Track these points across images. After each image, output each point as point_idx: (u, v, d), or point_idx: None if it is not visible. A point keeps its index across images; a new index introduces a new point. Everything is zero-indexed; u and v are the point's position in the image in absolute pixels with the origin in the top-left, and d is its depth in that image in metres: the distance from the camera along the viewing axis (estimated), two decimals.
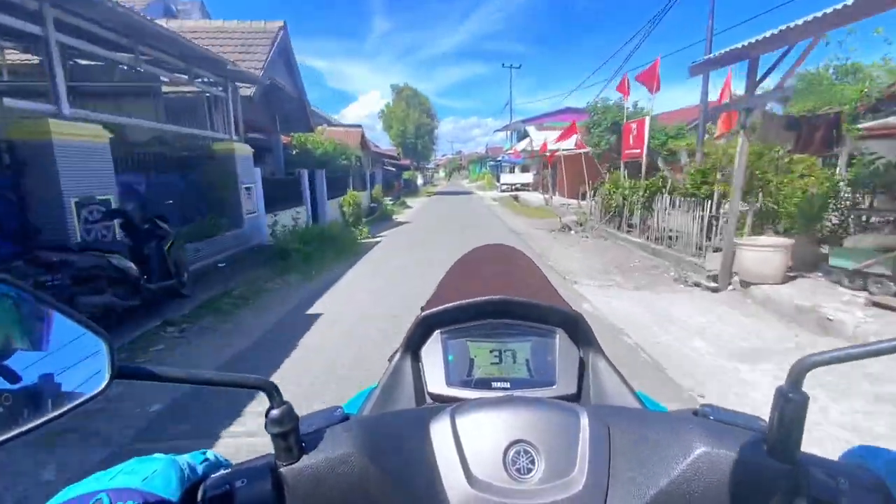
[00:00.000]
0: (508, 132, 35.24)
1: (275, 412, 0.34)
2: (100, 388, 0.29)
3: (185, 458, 0.36)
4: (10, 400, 0.27)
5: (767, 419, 0.33)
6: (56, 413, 0.28)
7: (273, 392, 0.35)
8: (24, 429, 0.27)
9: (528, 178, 25.06)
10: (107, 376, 0.30)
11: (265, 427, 0.34)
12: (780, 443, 0.31)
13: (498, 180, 30.16)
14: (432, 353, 0.58)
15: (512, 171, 28.76)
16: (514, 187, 24.65)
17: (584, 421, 0.37)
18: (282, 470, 0.34)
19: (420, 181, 36.85)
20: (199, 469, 0.36)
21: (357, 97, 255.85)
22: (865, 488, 0.31)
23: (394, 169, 25.72)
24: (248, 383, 0.34)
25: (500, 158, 32.60)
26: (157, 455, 0.35)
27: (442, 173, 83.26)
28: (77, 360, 0.30)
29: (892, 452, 0.35)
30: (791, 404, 0.31)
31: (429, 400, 0.56)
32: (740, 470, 0.32)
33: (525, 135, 27.59)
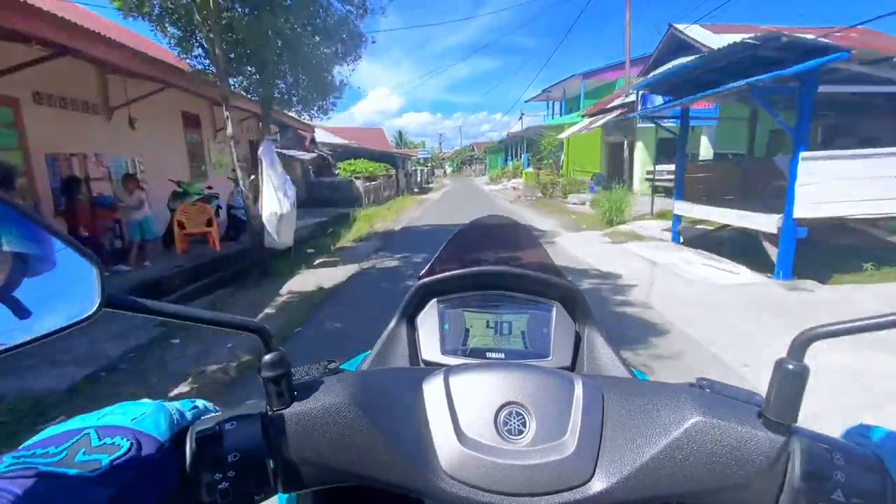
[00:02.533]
0: (549, 99, 31.58)
1: (268, 357, 0.35)
2: (87, 314, 0.30)
3: (175, 405, 0.37)
4: None
5: (765, 394, 0.34)
6: (40, 334, 0.29)
7: (267, 336, 0.36)
8: (4, 347, 0.28)
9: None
10: (96, 302, 0.30)
11: (257, 371, 0.35)
12: (777, 414, 0.33)
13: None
14: (428, 321, 0.60)
15: None
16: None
17: (578, 387, 0.38)
18: (272, 415, 0.35)
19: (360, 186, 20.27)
20: (189, 415, 0.37)
21: (367, 94, 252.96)
22: (862, 465, 0.31)
23: None
24: (241, 325, 0.35)
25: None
26: (145, 400, 0.36)
27: (449, 168, 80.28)
28: (66, 282, 0.30)
29: (891, 431, 0.35)
30: (790, 375, 0.32)
31: (423, 366, 0.58)
32: (734, 439, 0.33)
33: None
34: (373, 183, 16.97)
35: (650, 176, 13.83)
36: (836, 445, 0.33)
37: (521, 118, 36.19)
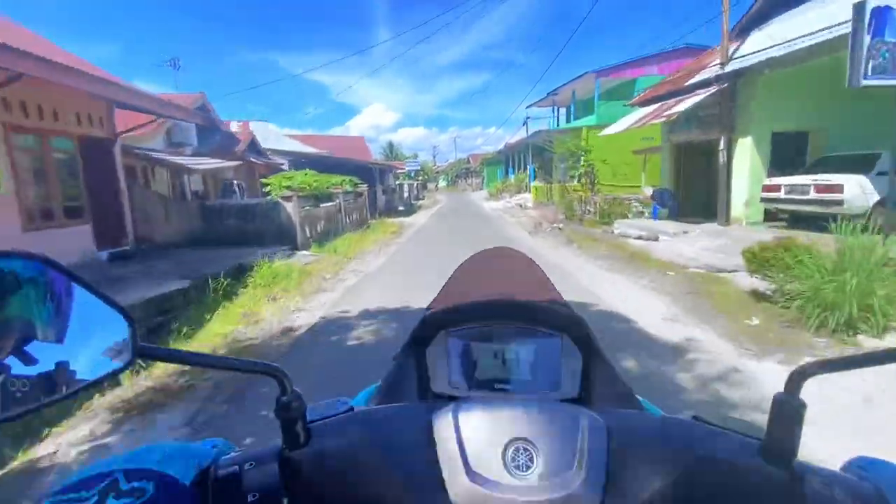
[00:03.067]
0: (555, 104, 27.57)
1: (284, 399, 0.37)
2: (121, 366, 0.32)
3: (196, 445, 0.39)
4: (33, 376, 0.30)
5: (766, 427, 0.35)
6: (78, 387, 0.31)
7: (283, 379, 0.37)
8: (46, 402, 0.30)
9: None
10: (129, 354, 0.32)
11: (274, 413, 0.37)
12: (777, 449, 0.33)
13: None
14: (436, 352, 0.60)
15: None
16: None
17: (584, 422, 0.39)
18: (288, 455, 0.37)
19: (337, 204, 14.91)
20: (210, 455, 0.39)
21: (361, 110, 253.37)
22: (863, 499, 0.32)
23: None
24: (259, 369, 0.37)
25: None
26: (169, 442, 0.39)
27: (443, 182, 75.17)
28: (102, 336, 0.33)
29: (892, 465, 0.35)
30: (788, 411, 0.33)
31: (431, 399, 0.58)
32: (735, 475, 0.34)
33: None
34: (325, 206, 11.43)
35: (771, 194, 8.36)
36: (836, 480, 0.33)
37: (524, 124, 31.16)
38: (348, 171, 16.42)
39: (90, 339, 0.32)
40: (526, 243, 9.90)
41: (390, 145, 62.77)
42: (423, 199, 37.63)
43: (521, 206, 21.38)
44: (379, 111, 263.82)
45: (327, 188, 11.71)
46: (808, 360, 0.31)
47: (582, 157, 13.83)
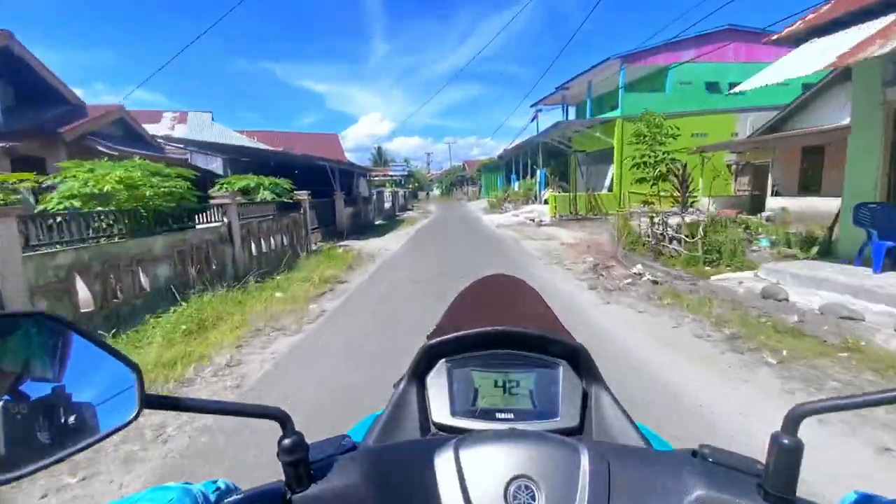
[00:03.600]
0: (565, 102, 22.73)
1: (287, 441, 0.37)
2: (129, 418, 0.32)
3: (198, 487, 0.38)
4: (43, 429, 0.30)
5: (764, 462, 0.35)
6: (86, 443, 0.31)
7: (286, 422, 0.37)
8: (54, 458, 0.30)
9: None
10: (136, 406, 0.32)
11: (277, 456, 0.37)
12: (776, 487, 0.33)
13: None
14: (437, 381, 0.60)
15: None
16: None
17: (585, 458, 0.39)
18: (292, 498, 0.36)
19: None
20: (212, 497, 0.38)
21: (357, 119, 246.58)
22: None
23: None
24: (262, 413, 0.37)
25: None
26: (171, 484, 0.37)
27: (437, 190, 69.57)
28: (108, 389, 0.33)
29: (888, 500, 0.35)
30: (786, 450, 0.33)
31: (433, 429, 0.59)
32: None
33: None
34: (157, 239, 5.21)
35: None
36: None
37: (533, 119, 25.64)
38: (295, 174, 10.75)
39: (97, 393, 0.32)
40: (614, 330, 4.02)
41: (379, 151, 57.19)
42: (412, 209, 31.70)
43: (534, 221, 15.73)
44: (374, 120, 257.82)
45: (179, 196, 5.58)
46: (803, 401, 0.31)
47: (659, 147, 8.18)
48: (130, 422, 0.32)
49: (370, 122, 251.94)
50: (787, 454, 0.33)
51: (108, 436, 0.31)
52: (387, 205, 25.29)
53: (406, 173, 35.07)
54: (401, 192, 37.20)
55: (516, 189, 25.98)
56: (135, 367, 0.33)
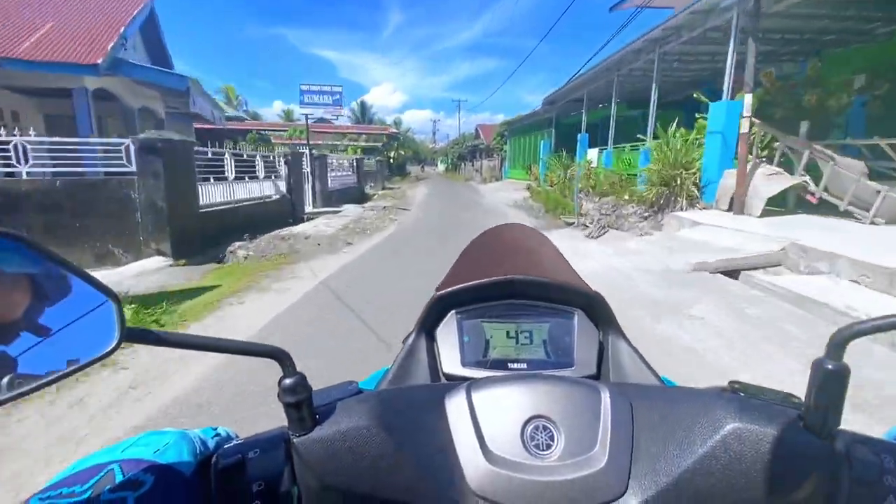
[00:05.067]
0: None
1: (287, 381, 0.35)
2: (107, 350, 0.30)
3: (196, 433, 0.38)
4: (15, 359, 0.28)
5: (804, 396, 0.32)
6: (62, 373, 0.30)
7: (286, 361, 0.35)
8: (28, 388, 0.28)
9: None
10: (115, 337, 0.30)
11: (278, 396, 0.35)
12: (818, 418, 0.31)
13: None
14: (447, 333, 0.58)
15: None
16: None
17: (606, 398, 0.37)
18: (294, 440, 0.34)
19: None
20: (211, 443, 0.37)
21: (369, 89, 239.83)
22: None
23: None
24: (259, 351, 0.35)
25: None
26: (168, 430, 0.37)
27: (441, 165, 54.40)
28: (85, 319, 0.31)
29: None
30: (830, 376, 0.30)
31: (443, 380, 0.57)
32: (774, 447, 0.31)
33: None
34: None
35: None
36: (884, 448, 0.31)
37: (633, 17, 10.67)
38: None
39: (73, 322, 0.30)
40: None
41: (362, 106, 42.13)
42: (375, 196, 16.76)
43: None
44: (387, 91, 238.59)
45: None
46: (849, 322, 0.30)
47: None
48: (109, 353, 0.30)
49: (382, 92, 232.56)
50: (830, 381, 0.30)
51: (84, 367, 0.30)
52: (308, 191, 11.06)
53: (338, 113, 15.21)
54: (374, 161, 22.23)
55: (593, 165, 11.35)
56: (113, 296, 0.31)
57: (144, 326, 0.32)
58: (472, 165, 36.36)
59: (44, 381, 0.28)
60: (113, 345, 0.30)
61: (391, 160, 33.24)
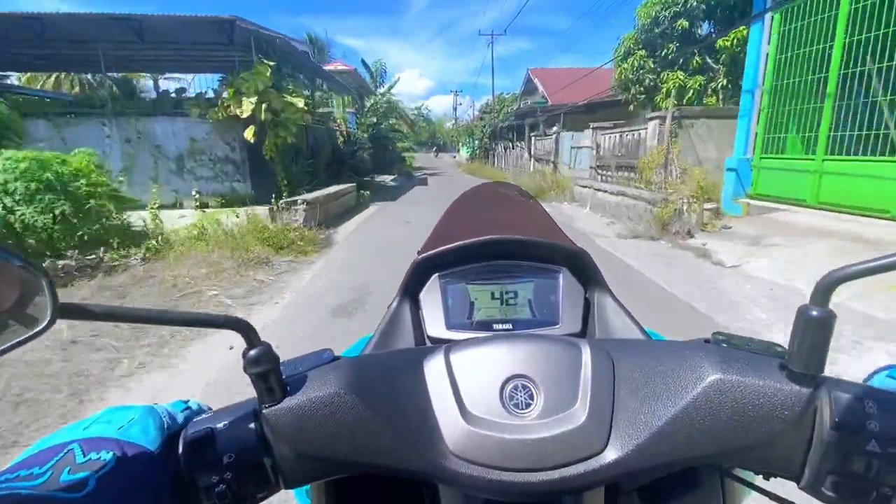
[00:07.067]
0: None
1: (252, 352, 0.33)
2: (41, 327, 0.29)
3: (164, 407, 0.37)
4: None
5: (787, 345, 0.33)
6: None
7: (248, 331, 0.34)
8: None
9: None
10: (48, 314, 0.29)
11: (243, 369, 0.34)
12: (801, 365, 0.31)
13: None
14: (431, 297, 0.57)
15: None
16: None
17: (586, 353, 0.37)
18: (264, 411, 0.34)
19: None
20: (180, 417, 0.36)
21: (394, 76, 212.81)
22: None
23: None
24: (217, 322, 0.33)
25: None
26: (133, 405, 0.36)
27: (465, 151, 38.06)
28: (11, 296, 0.30)
29: None
30: (814, 322, 0.30)
31: (428, 344, 0.56)
32: (756, 395, 0.31)
33: None
34: None
35: None
36: (867, 393, 0.31)
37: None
38: None
39: (5, 302, 0.29)
40: None
41: (368, 68, 25.38)
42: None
43: None
44: (412, 77, 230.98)
45: None
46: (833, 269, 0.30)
47: None
48: (42, 331, 0.29)
49: (407, 78, 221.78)
50: (815, 327, 0.30)
51: (15, 346, 0.29)
52: None
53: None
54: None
55: None
56: (43, 272, 0.30)
57: (82, 303, 0.29)
58: (519, 157, 19.80)
59: None
60: (45, 323, 0.29)
61: (355, 141, 17.45)
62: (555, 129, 15.41)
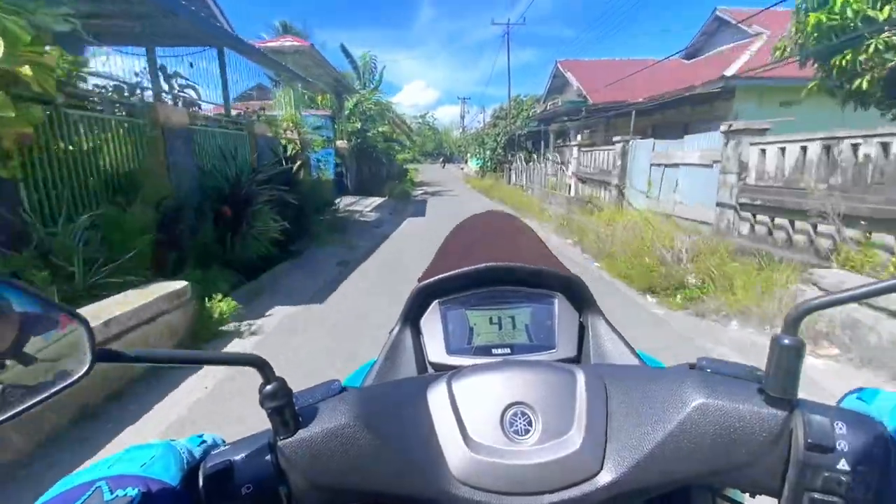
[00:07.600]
0: None
1: (268, 388, 0.36)
2: (81, 373, 0.31)
3: (182, 443, 0.38)
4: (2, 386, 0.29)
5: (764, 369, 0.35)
6: (38, 399, 0.31)
7: (265, 368, 0.36)
8: (5, 416, 0.30)
9: None
10: (88, 360, 0.31)
11: (260, 403, 0.36)
12: (777, 389, 0.33)
13: None
14: (431, 323, 0.60)
15: None
16: None
17: (581, 380, 0.39)
18: (279, 443, 0.36)
19: None
20: (197, 452, 0.38)
21: (401, 87, 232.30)
22: (863, 431, 0.32)
23: None
24: (238, 360, 0.36)
25: None
26: (154, 441, 0.37)
27: (474, 163, 33.02)
28: (55, 344, 0.32)
29: (891, 394, 0.35)
30: (786, 350, 0.33)
31: (430, 370, 0.59)
32: (737, 418, 0.34)
33: None
34: None
35: None
36: (838, 414, 0.33)
37: None
38: None
39: (43, 348, 0.31)
40: None
41: (354, 64, 20.55)
42: None
43: None
44: (419, 88, 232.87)
45: None
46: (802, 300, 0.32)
47: None
48: (82, 377, 0.31)
49: (414, 90, 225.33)
50: (787, 354, 0.32)
51: (58, 392, 0.31)
52: None
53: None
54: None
55: None
56: (82, 320, 0.32)
57: (117, 350, 0.32)
58: (543, 165, 15.02)
59: (21, 407, 0.29)
60: (85, 369, 0.31)
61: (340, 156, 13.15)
62: (617, 138, 10.16)
